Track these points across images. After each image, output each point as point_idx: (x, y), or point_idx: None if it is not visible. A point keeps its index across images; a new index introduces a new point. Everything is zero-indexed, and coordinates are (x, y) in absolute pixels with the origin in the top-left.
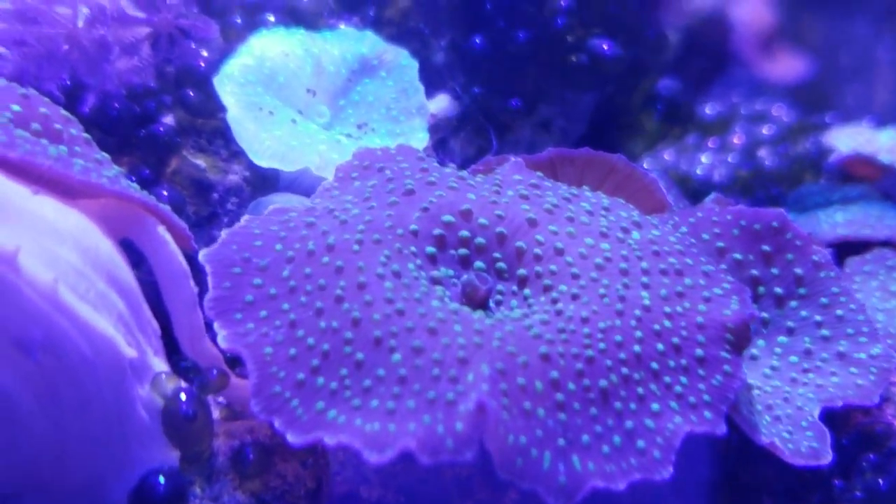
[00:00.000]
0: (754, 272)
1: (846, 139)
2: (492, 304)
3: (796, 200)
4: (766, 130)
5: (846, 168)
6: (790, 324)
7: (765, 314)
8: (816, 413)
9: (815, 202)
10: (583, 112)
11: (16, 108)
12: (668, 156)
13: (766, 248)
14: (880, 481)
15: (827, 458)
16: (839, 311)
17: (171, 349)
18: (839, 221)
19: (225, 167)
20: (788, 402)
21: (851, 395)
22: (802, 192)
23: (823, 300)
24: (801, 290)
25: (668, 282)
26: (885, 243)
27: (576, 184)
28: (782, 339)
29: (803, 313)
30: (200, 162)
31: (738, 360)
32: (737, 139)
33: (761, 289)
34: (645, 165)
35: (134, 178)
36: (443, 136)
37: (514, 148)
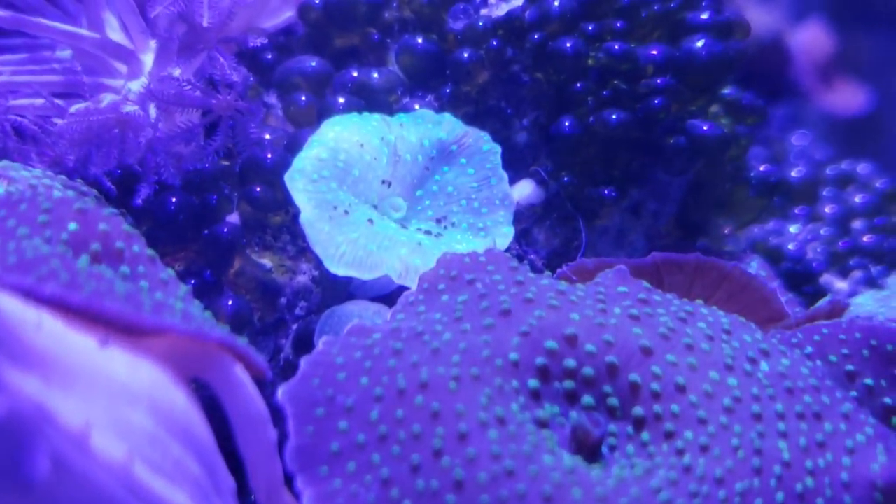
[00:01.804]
0: (887, 401)
1: None
2: (604, 450)
3: None
4: (858, 199)
5: None
6: None
7: None
8: None
9: None
10: (675, 192)
11: (73, 226)
12: (756, 229)
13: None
14: None
15: None
16: None
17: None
18: None
19: (292, 266)
20: None
21: None
22: None
23: None
24: None
25: (805, 428)
26: None
27: (685, 293)
28: None
29: None
30: (266, 261)
31: None
32: (828, 208)
33: (895, 420)
34: (731, 247)
35: (195, 282)
36: (526, 227)
37: (601, 236)
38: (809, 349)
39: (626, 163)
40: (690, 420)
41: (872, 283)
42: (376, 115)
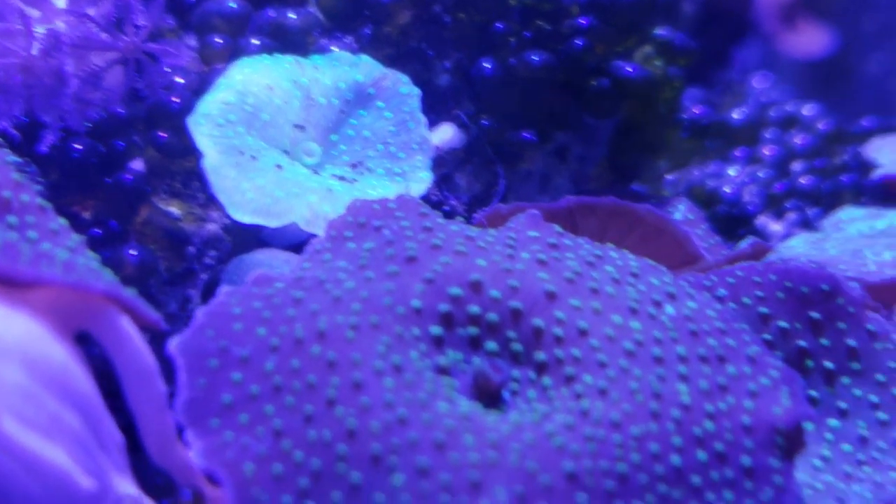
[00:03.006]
0: (802, 343)
1: (890, 153)
2: (507, 396)
3: (836, 227)
4: (798, 140)
5: (890, 188)
6: (842, 405)
7: (814, 392)
8: None
9: (857, 229)
10: (602, 136)
11: None
12: (694, 171)
13: (815, 315)
14: None
15: None
16: None
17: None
18: (887, 260)
19: (202, 214)
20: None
21: None
22: (842, 216)
23: (880, 377)
24: (855, 365)
25: (708, 371)
26: None
27: (598, 236)
28: (834, 422)
29: (857, 392)
30: (174, 209)
31: (790, 468)
32: (767, 150)
33: (809, 363)
34: (668, 192)
35: (100, 231)
36: (448, 172)
37: (525, 181)
38: (723, 292)
39: (549, 106)
40: (591, 364)
41: (808, 224)
42: (289, 57)
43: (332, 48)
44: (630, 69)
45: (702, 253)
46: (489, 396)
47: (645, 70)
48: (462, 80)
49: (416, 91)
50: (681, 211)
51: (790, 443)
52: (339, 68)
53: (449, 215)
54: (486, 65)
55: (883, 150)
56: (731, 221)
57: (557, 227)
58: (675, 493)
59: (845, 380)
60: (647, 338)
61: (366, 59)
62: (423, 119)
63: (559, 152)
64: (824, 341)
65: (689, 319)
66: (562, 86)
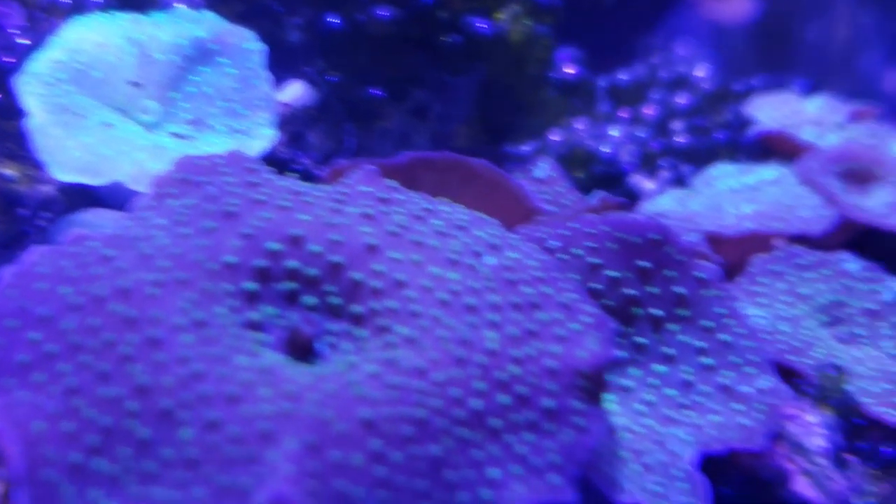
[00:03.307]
0: (631, 292)
1: (769, 109)
2: (323, 349)
3: (706, 183)
4: (682, 100)
5: (766, 144)
6: (669, 351)
7: (641, 339)
8: (692, 460)
9: (727, 185)
10: (464, 94)
11: None
12: (564, 134)
13: (643, 264)
14: None
15: None
16: (724, 336)
17: None
18: (747, 213)
19: (37, 176)
20: (661, 447)
21: (733, 437)
22: (713, 173)
23: (707, 323)
24: (683, 312)
25: (520, 318)
26: (799, 238)
27: (437, 191)
28: (660, 368)
29: (683, 338)
30: (8, 171)
31: (594, 410)
32: (649, 109)
33: (638, 310)
34: (545, 151)
35: None
36: (299, 130)
37: (382, 139)
38: (555, 244)
39: (402, 63)
40: (405, 315)
41: (681, 182)
42: (125, 14)
43: (176, 5)
44: (484, 25)
45: (539, 207)
46: (303, 350)
47: (498, 26)
48: (314, 37)
49: (261, 47)
50: (542, 169)
51: (594, 385)
52: (181, 24)
53: (298, 173)
54: (333, 20)
55: (763, 107)
56: (608, 180)
57: (392, 182)
58: (474, 436)
59: (672, 326)
60: (464, 288)
61: (209, 16)
62: (266, 75)
63: (418, 111)
64: (653, 289)
65: (508, 269)
66: (415, 42)
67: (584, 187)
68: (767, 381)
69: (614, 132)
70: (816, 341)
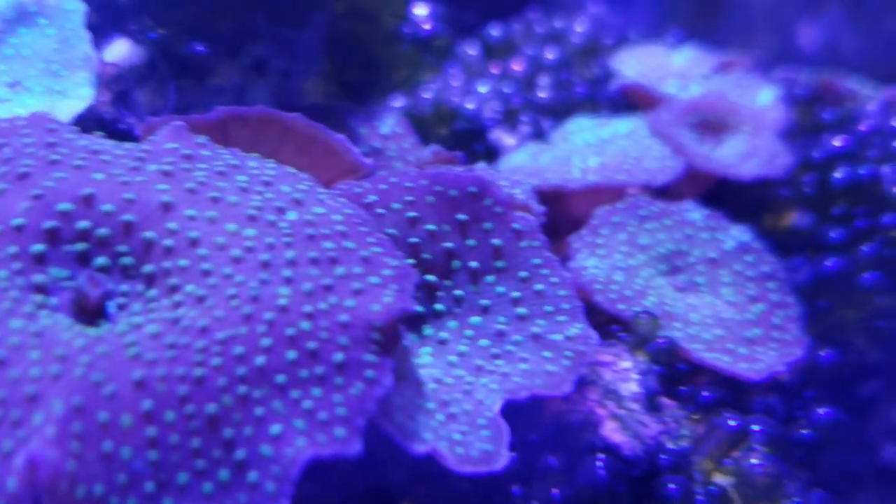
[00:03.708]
0: (449, 245)
1: (634, 63)
2: (112, 310)
3: (563, 137)
4: (550, 55)
5: (627, 97)
6: (485, 302)
7: (459, 292)
8: (497, 407)
9: (583, 139)
10: (309, 48)
11: None
12: (431, 91)
13: (461, 216)
14: (556, 490)
15: (501, 461)
16: (539, 286)
17: None
18: (592, 166)
19: None
20: (469, 396)
21: (539, 384)
22: (571, 127)
23: (523, 274)
24: (499, 263)
25: (316, 273)
26: (645, 189)
27: (251, 147)
28: (476, 319)
29: (500, 289)
30: None
31: (385, 362)
32: (517, 65)
33: (456, 263)
34: (399, 103)
35: None
36: (125, 89)
37: (217, 97)
38: (373, 198)
39: (233, 17)
40: (195, 273)
41: (540, 137)
42: None
43: None
44: None
45: (362, 162)
46: (91, 312)
47: None
48: None
49: (81, 7)
50: (388, 125)
51: (387, 338)
52: None
53: (124, 133)
54: None
55: (628, 61)
56: (469, 137)
57: (202, 139)
58: (256, 392)
59: (490, 278)
60: (260, 244)
61: None
62: (86, 35)
63: (257, 66)
64: (471, 241)
65: (310, 224)
66: None
67: (447, 144)
68: (577, 329)
69: (483, 88)
70: (650, 290)
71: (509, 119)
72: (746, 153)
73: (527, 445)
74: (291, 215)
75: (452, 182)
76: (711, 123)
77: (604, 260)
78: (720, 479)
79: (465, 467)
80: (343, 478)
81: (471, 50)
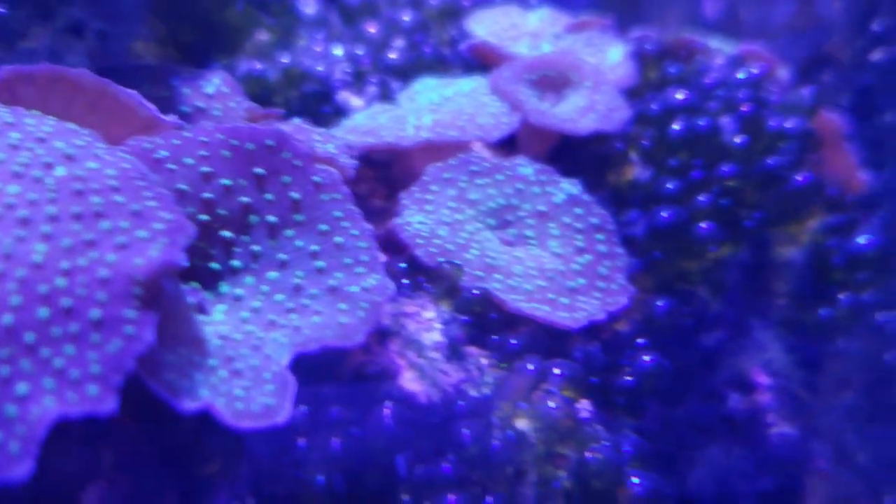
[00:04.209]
0: (246, 199)
1: (488, 23)
2: None
3: (409, 97)
4: (406, 17)
5: (477, 57)
6: (283, 256)
7: (257, 247)
8: (286, 360)
9: (427, 98)
10: (130, 10)
11: None
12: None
13: (259, 170)
14: (336, 440)
15: (283, 414)
16: (338, 239)
17: None
18: (426, 124)
19: None
20: (257, 351)
21: (330, 335)
22: (416, 87)
23: (323, 227)
24: (299, 217)
25: (78, 229)
26: (488, 145)
27: (40, 106)
28: (273, 274)
29: (299, 243)
30: None
31: (146, 317)
32: (373, 28)
33: (254, 218)
34: (248, 64)
35: None
36: None
37: (29, 60)
38: (163, 153)
39: None
40: None
41: (388, 98)
42: None
43: None
44: None
45: (159, 117)
46: None
47: None
48: None
49: None
50: (214, 84)
51: (150, 293)
52: None
53: None
54: None
55: (483, 21)
56: (317, 98)
57: None
58: (1, 352)
59: (289, 232)
60: (21, 201)
61: None
62: None
63: (74, 28)
64: (269, 196)
65: (80, 179)
66: None
67: (296, 106)
68: (373, 280)
69: (338, 51)
70: (474, 243)
71: (359, 81)
72: (585, 108)
73: (319, 398)
74: (59, 171)
75: (248, 136)
76: (554, 80)
77: (430, 215)
78: (522, 423)
79: (243, 422)
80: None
81: (308, 9)
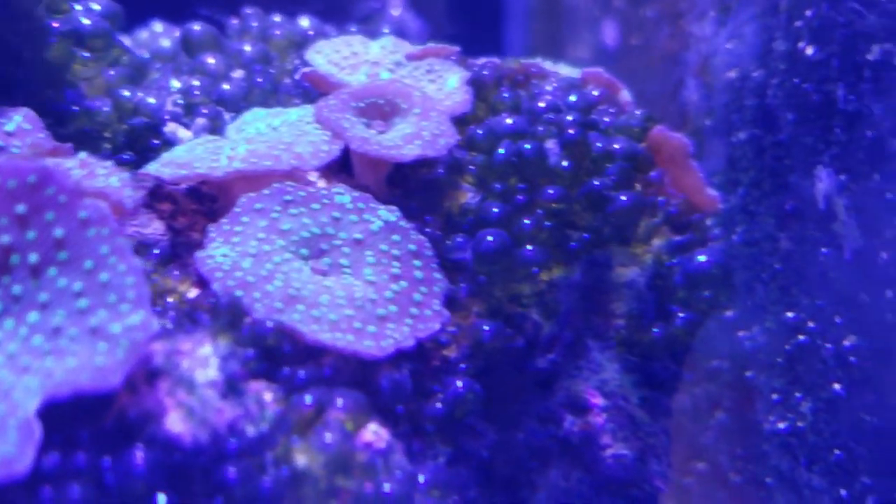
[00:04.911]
0: (6, 239)
1: (328, 52)
2: None
3: (237, 128)
4: (248, 47)
5: (312, 85)
6: (45, 297)
7: (19, 288)
8: (34, 406)
9: (256, 129)
10: None
11: None
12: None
13: (21, 208)
14: (77, 488)
15: (23, 463)
16: (104, 276)
17: None
18: (240, 154)
19: None
20: (6, 398)
21: (85, 378)
22: (246, 118)
23: (88, 264)
24: (62, 255)
25: None
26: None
27: None
28: (33, 316)
29: (62, 282)
30: None
31: None
32: (212, 59)
33: (15, 258)
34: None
35: None
36: None
37: None
38: None
39: None
40: None
41: (217, 130)
42: None
43: None
44: None
45: None
46: None
47: None
48: None
49: None
50: (15, 121)
51: None
52: None
53: None
54: None
55: (323, 50)
56: (146, 131)
57: None
58: None
59: (52, 271)
60: None
61: None
62: None
63: None
64: (31, 234)
65: None
66: None
67: (126, 139)
68: (138, 317)
69: (175, 83)
70: (279, 274)
71: (189, 113)
72: (411, 135)
73: (72, 444)
74: None
75: (11, 172)
76: (383, 109)
77: (236, 247)
78: (303, 459)
79: None
80: None
81: (164, 42)
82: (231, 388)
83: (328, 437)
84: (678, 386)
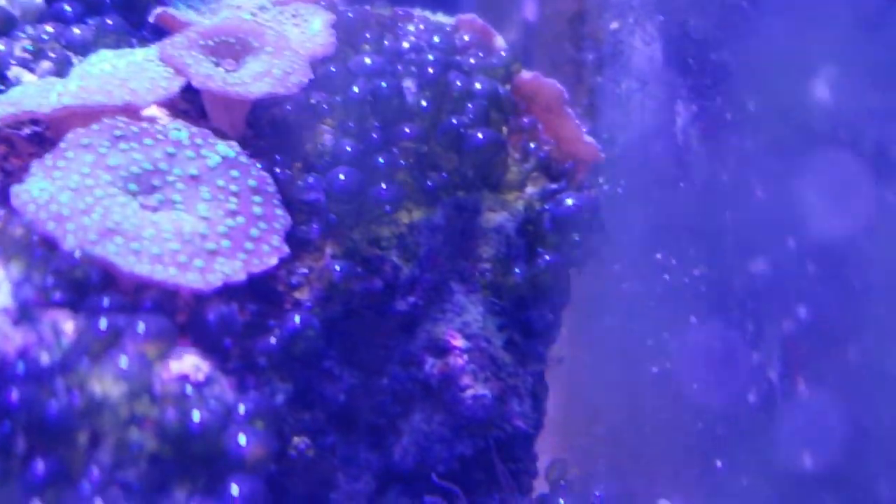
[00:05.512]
0: None
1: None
2: None
3: (82, 70)
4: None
5: (165, 28)
6: None
7: None
8: None
9: (101, 70)
10: None
11: None
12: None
13: None
14: None
15: None
16: None
17: None
18: (70, 90)
19: None
20: None
21: None
22: (92, 59)
23: None
24: None
25: None
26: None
27: None
28: None
29: None
30: None
31: None
32: (68, 6)
33: None
34: None
35: None
36: None
37: None
38: None
39: None
40: None
41: (62, 73)
42: None
43: None
44: None
45: None
46: None
47: None
48: None
49: None
50: None
51: None
52: None
53: None
54: None
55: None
56: None
57: None
58: None
59: None
60: None
61: None
62: None
63: None
64: None
65: None
66: None
67: None
68: None
69: (30, 30)
70: (99, 208)
71: (37, 58)
72: (261, 73)
73: None
74: None
75: None
76: (234, 48)
77: (56, 182)
78: (98, 385)
79: None
80: None
81: None
82: (24, 314)
83: (123, 362)
84: (555, 335)
